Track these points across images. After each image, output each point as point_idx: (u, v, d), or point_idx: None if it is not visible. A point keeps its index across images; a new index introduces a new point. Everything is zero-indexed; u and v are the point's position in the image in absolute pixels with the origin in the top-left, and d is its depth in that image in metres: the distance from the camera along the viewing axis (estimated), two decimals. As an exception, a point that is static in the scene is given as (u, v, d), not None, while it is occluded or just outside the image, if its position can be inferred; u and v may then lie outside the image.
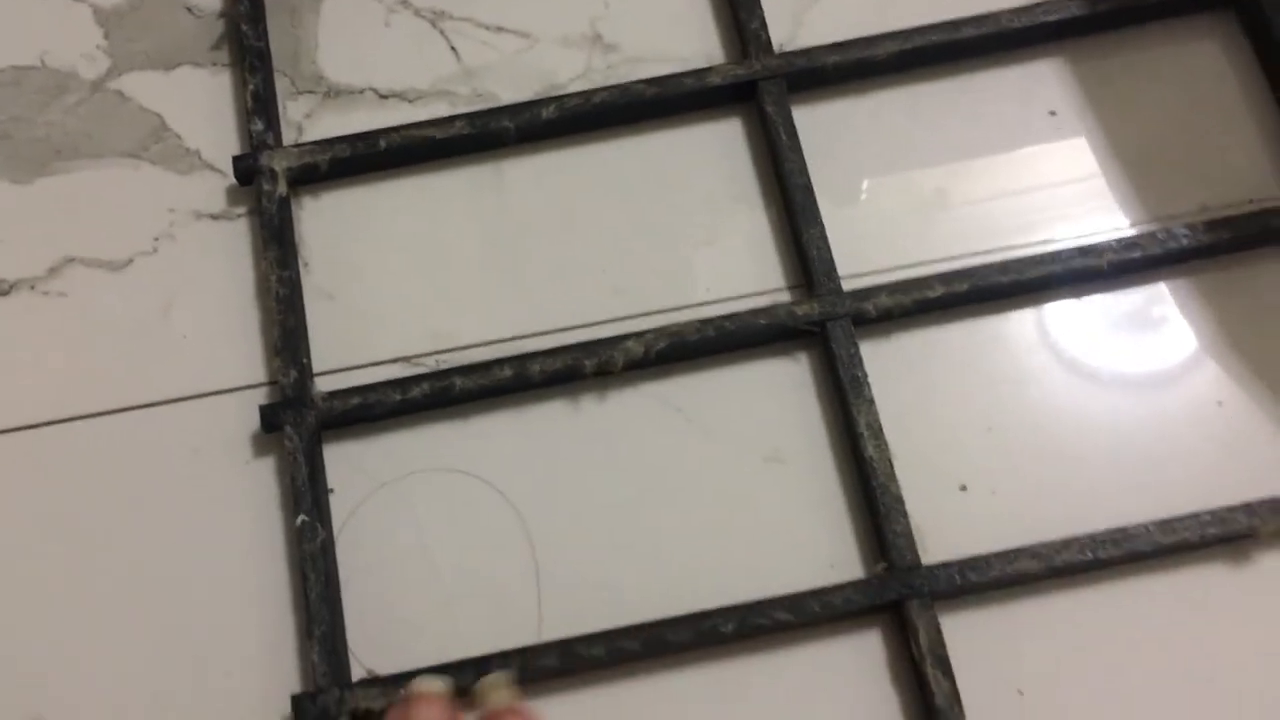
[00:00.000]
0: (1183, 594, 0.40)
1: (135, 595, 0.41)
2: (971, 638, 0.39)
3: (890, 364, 0.43)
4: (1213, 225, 0.43)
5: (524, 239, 0.46)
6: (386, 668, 0.40)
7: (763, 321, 0.43)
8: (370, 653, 0.40)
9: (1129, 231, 0.44)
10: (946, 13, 0.46)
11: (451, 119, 0.46)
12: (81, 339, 0.45)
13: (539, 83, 0.48)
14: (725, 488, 0.42)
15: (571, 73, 0.48)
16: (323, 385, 0.43)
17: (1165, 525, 0.39)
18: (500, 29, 0.49)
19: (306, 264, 0.46)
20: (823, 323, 0.42)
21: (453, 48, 0.49)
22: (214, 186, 0.47)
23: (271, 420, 0.42)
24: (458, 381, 0.42)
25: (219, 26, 0.49)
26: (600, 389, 0.44)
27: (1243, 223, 0.43)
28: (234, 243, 0.46)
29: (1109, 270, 0.43)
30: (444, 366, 0.43)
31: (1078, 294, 0.44)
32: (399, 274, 0.46)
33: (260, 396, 0.43)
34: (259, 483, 0.43)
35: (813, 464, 0.42)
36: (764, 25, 0.47)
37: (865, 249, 0.45)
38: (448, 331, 0.45)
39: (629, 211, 0.46)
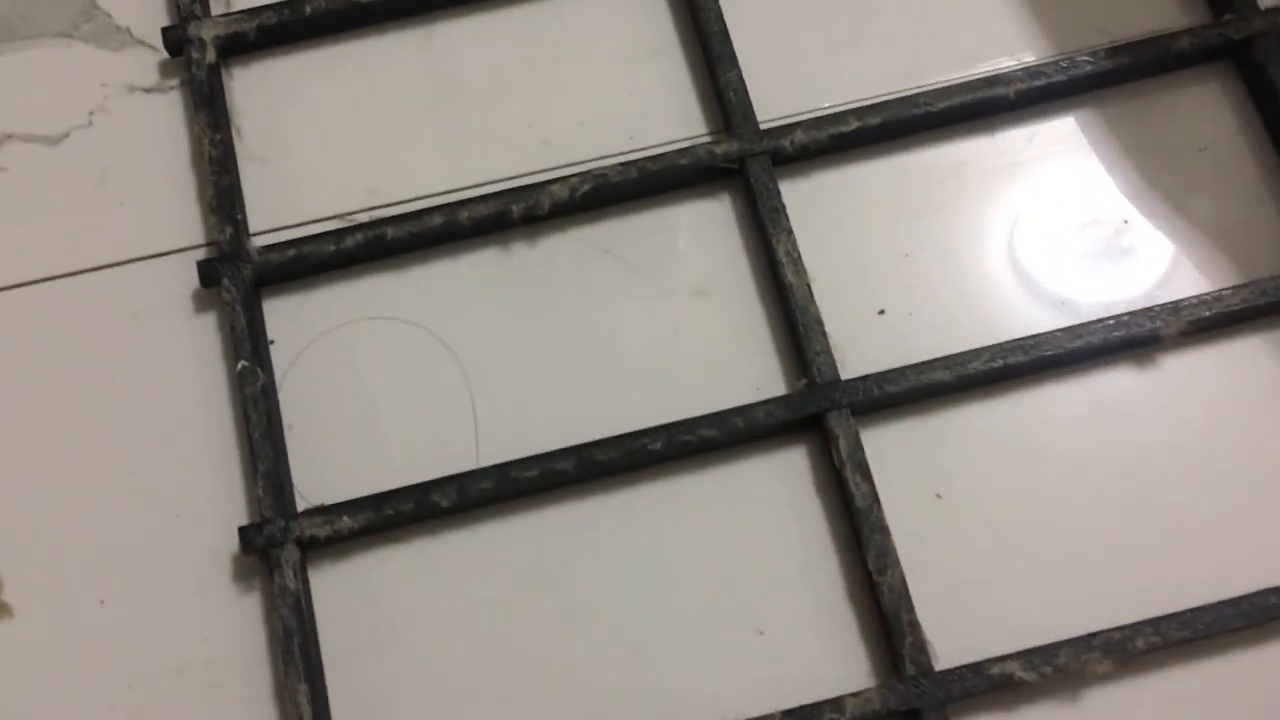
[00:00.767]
0: (1090, 397, 0.42)
1: (84, 448, 0.43)
2: (891, 448, 0.41)
3: (810, 200, 0.45)
4: (1114, 51, 0.45)
5: (454, 99, 0.47)
6: (331, 502, 0.41)
7: (684, 161, 0.44)
8: (316, 491, 0.42)
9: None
10: None
11: (375, -17, 0.47)
12: (22, 211, 0.46)
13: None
14: (654, 322, 0.44)
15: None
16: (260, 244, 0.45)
17: (1071, 331, 0.41)
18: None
19: (239, 130, 0.47)
20: (741, 159, 0.44)
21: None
22: (146, 61, 0.48)
23: (209, 275, 0.43)
24: (390, 231, 0.44)
25: (144, -94, 0.50)
26: (530, 235, 0.45)
27: (1144, 47, 0.45)
28: (168, 113, 0.47)
29: (1016, 99, 0.45)
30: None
31: (989, 128, 0.46)
32: (331, 137, 0.47)
33: (199, 256, 0.45)
34: (201, 338, 0.44)
35: (737, 295, 0.44)
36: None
37: (783, 93, 0.46)
38: (381, 189, 0.46)
39: (554, 68, 0.47)
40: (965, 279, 0.44)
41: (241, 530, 0.40)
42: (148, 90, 0.48)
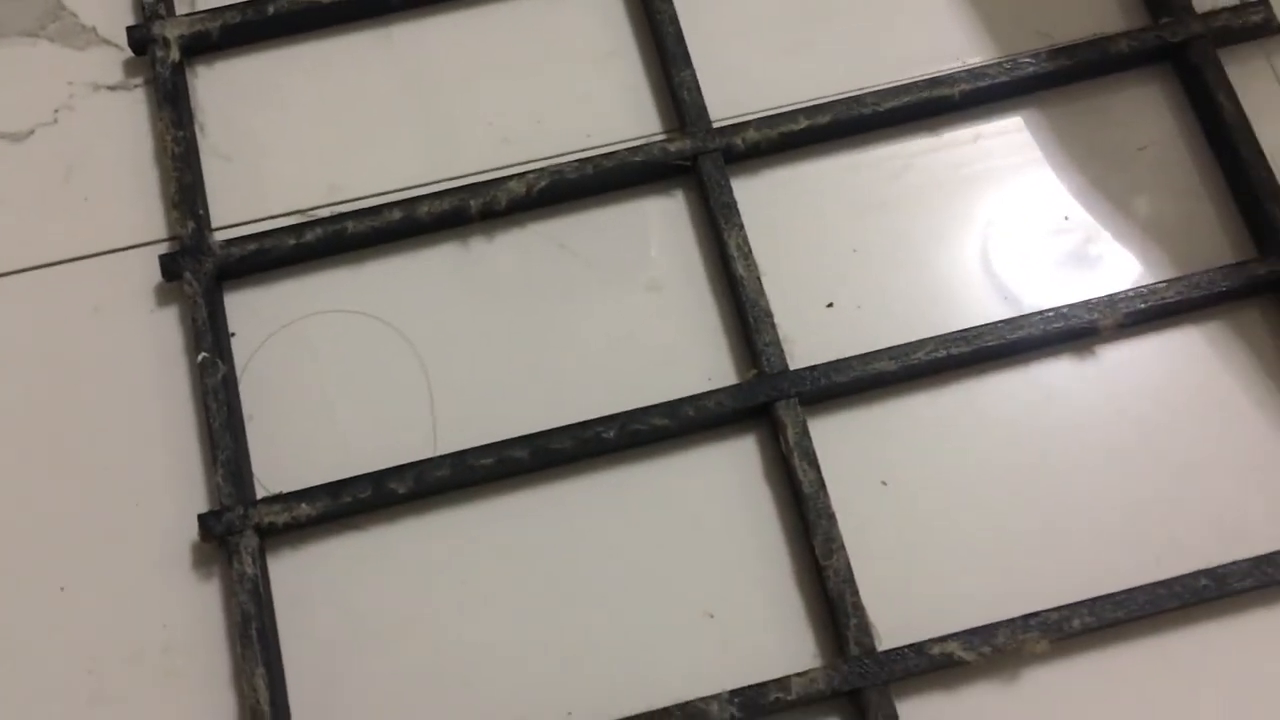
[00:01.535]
0: (1031, 388, 0.43)
1: (45, 438, 0.43)
2: (838, 438, 0.42)
3: (760, 197, 0.46)
4: (1056, 53, 0.46)
5: (414, 97, 0.48)
6: (291, 489, 0.42)
7: (639, 159, 0.45)
8: (275, 480, 0.42)
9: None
10: None
11: (337, -15, 0.48)
12: (-14, 206, 0.47)
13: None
14: (608, 315, 0.45)
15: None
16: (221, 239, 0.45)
17: (1013, 323, 0.42)
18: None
19: (203, 127, 0.47)
20: (694, 157, 0.45)
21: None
22: (111, 60, 0.49)
23: (171, 268, 0.44)
24: (350, 225, 0.45)
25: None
26: (488, 231, 0.46)
27: (1084, 49, 0.46)
28: (132, 111, 0.48)
29: (960, 100, 0.46)
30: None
31: (934, 128, 0.47)
32: (293, 135, 0.48)
33: (162, 250, 0.45)
34: (163, 331, 0.45)
35: (690, 289, 0.45)
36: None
37: (736, 93, 0.47)
38: (342, 185, 0.46)
39: (513, 67, 0.48)
40: (911, 273, 0.45)
41: (201, 518, 0.40)
42: (112, 88, 0.48)
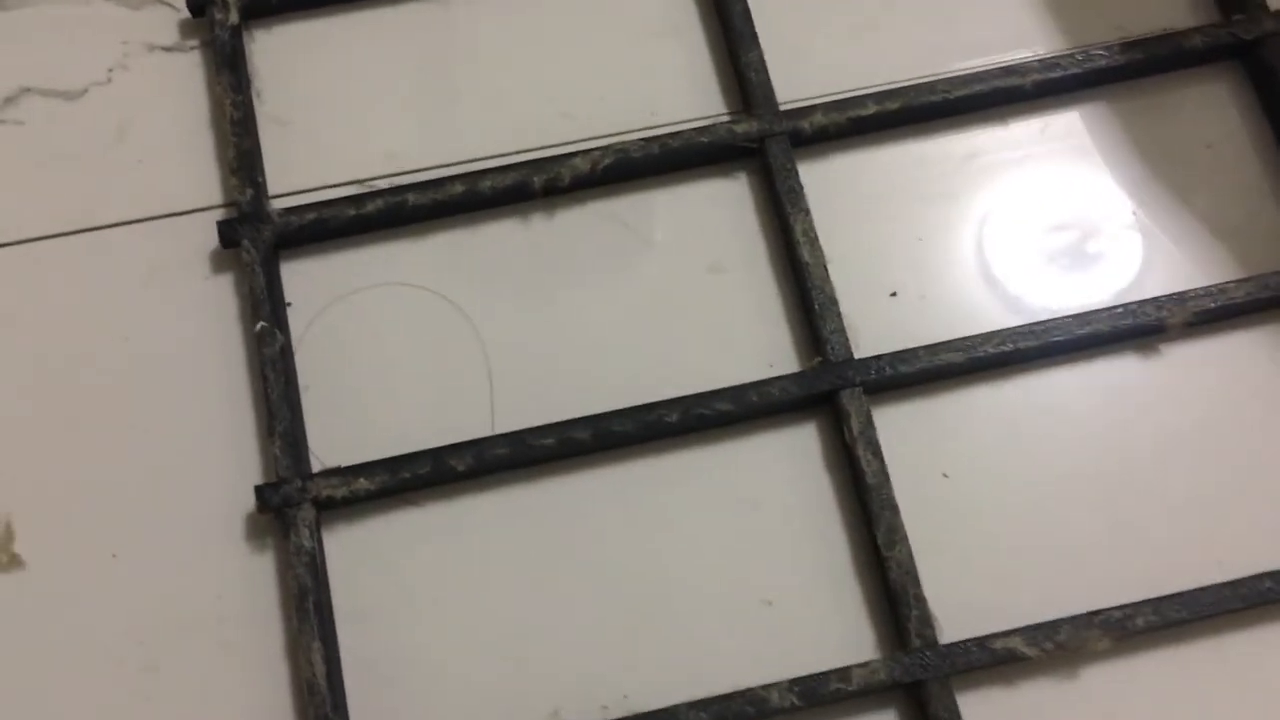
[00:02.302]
0: (1094, 383, 0.43)
1: (98, 403, 0.43)
2: (902, 428, 0.42)
3: (827, 182, 0.45)
4: (1128, 46, 0.46)
5: (475, 68, 0.47)
6: (347, 464, 0.42)
7: (704, 139, 0.45)
8: (330, 453, 0.42)
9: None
10: None
11: (400, -49, 0.47)
12: (39, 165, 0.46)
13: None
14: (670, 296, 0.44)
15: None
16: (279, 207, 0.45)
17: (1081, 318, 0.42)
18: None
19: (260, 94, 0.47)
20: (761, 139, 0.44)
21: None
22: (167, 20, 0.48)
23: (229, 235, 0.43)
24: (411, 197, 0.44)
25: None
26: (549, 207, 0.45)
27: (1156, 43, 0.46)
28: (188, 73, 0.47)
29: (1032, 90, 0.45)
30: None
31: (1002, 117, 0.46)
32: (352, 103, 0.47)
33: (218, 217, 0.44)
34: (219, 298, 0.44)
35: (752, 273, 0.44)
36: None
37: (803, 75, 0.47)
38: (399, 155, 0.46)
39: (575, 41, 0.48)
40: (976, 263, 0.44)
41: (258, 489, 0.40)
42: (168, 49, 0.47)
